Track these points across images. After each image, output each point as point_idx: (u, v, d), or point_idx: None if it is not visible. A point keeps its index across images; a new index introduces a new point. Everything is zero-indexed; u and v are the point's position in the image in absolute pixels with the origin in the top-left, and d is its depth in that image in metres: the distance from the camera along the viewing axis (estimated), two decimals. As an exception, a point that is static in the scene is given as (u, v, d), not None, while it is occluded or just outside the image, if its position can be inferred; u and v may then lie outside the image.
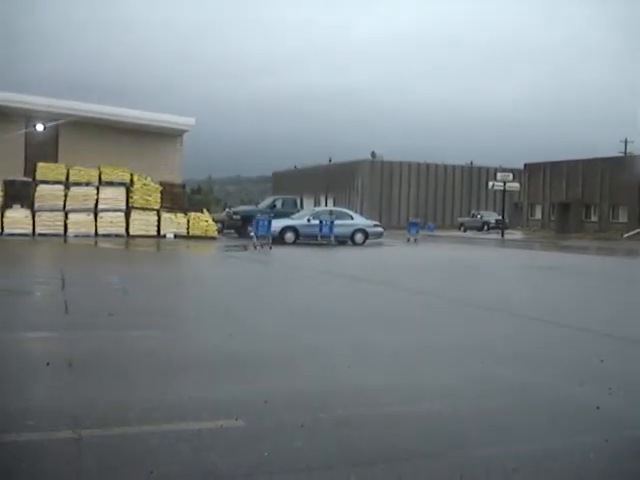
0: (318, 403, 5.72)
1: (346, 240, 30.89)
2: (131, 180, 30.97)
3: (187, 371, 6.78)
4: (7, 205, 29.06)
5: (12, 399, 5.63)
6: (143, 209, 30.65)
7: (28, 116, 31.74)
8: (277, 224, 30.34)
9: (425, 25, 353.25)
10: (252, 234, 28.33)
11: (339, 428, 5.14)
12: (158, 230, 30.53)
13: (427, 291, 14.30)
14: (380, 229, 32.89)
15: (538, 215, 61.24)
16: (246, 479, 4.22)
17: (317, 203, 67.17)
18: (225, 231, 35.78)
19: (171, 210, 31.10)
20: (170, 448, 4.64)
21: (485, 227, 57.27)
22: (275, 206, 37.30)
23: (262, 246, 26.59)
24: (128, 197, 30.74)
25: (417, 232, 37.19)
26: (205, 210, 34.08)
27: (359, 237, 31.15)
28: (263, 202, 40.97)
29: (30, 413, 5.24)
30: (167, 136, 34.24)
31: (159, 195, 31.08)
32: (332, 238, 30.05)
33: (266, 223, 27.67)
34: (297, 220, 31.35)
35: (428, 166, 69.43)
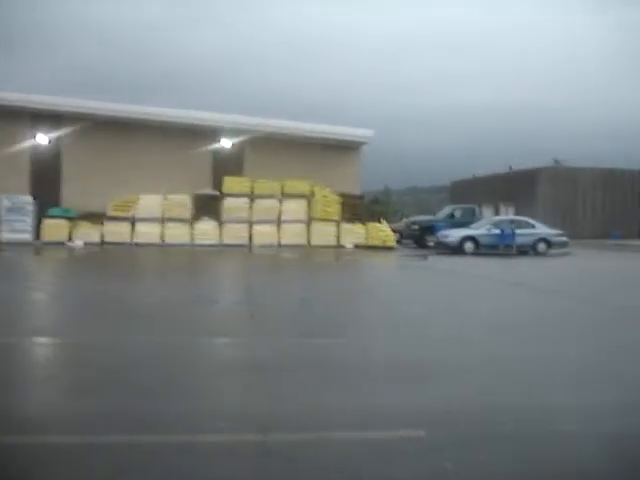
0: (502, 416, 5.58)
1: (528, 250, 30.00)
2: (311, 192, 31.73)
3: (368, 378, 6.84)
4: (197, 217, 30.69)
5: (204, 402, 5.92)
6: (323, 220, 31.30)
7: (216, 132, 33.37)
8: (456, 234, 30.06)
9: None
10: (431, 243, 28.70)
11: (524, 443, 4.99)
12: (337, 240, 31.06)
13: (628, 306, 13.43)
14: (564, 238, 31.63)
15: None
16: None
17: (497, 212, 65.67)
18: (403, 241, 35.78)
19: (350, 221, 31.54)
20: (348, 456, 4.69)
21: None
22: (453, 216, 36.88)
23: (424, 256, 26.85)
24: (309, 208, 31.52)
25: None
26: (383, 220, 34.27)
27: (542, 247, 30.12)
28: (441, 212, 40.58)
29: (220, 415, 5.49)
30: (346, 149, 34.77)
31: (339, 206, 31.61)
32: (514, 248, 29.31)
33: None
34: (476, 230, 30.82)
35: (615, 172, 66.01)
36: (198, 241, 30.04)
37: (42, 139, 32.35)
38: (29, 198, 30.26)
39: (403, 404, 5.87)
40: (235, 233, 30.53)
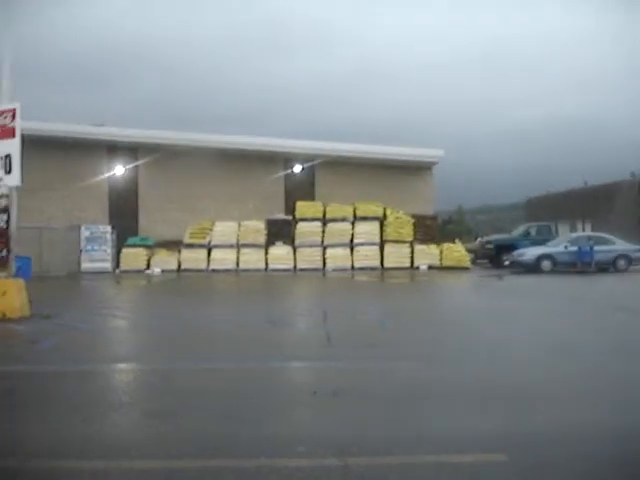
0: (583, 440, 5.44)
1: (607, 267, 29.21)
2: (384, 214, 31.71)
3: (449, 402, 6.76)
4: (270, 242, 31.01)
5: (283, 426, 5.94)
6: (396, 242, 31.21)
7: (288, 158, 33.79)
8: (533, 252, 29.51)
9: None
10: (507, 262, 28.33)
11: (605, 467, 4.85)
12: (411, 262, 30.90)
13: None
14: (645, 254, 30.65)
15: None
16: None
17: (573, 229, 64.32)
18: (478, 261, 35.31)
19: (423, 242, 31.38)
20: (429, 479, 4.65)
21: None
22: (529, 234, 36.21)
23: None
24: (382, 231, 31.48)
25: None
26: (457, 240, 33.96)
27: (622, 263, 29.27)
28: (516, 230, 39.92)
29: (300, 440, 5.50)
30: (418, 169, 34.73)
31: (411, 227, 31.50)
32: (592, 265, 28.60)
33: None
34: (553, 247, 30.19)
35: (697, 184, 63.84)
36: (272, 266, 30.32)
37: (119, 170, 33.28)
38: (108, 228, 31.12)
39: (485, 428, 5.78)
40: (308, 257, 30.72)
